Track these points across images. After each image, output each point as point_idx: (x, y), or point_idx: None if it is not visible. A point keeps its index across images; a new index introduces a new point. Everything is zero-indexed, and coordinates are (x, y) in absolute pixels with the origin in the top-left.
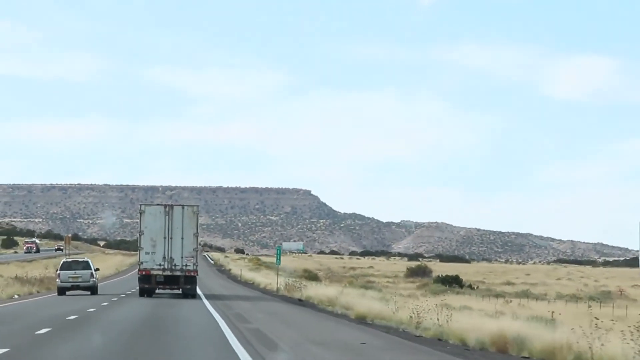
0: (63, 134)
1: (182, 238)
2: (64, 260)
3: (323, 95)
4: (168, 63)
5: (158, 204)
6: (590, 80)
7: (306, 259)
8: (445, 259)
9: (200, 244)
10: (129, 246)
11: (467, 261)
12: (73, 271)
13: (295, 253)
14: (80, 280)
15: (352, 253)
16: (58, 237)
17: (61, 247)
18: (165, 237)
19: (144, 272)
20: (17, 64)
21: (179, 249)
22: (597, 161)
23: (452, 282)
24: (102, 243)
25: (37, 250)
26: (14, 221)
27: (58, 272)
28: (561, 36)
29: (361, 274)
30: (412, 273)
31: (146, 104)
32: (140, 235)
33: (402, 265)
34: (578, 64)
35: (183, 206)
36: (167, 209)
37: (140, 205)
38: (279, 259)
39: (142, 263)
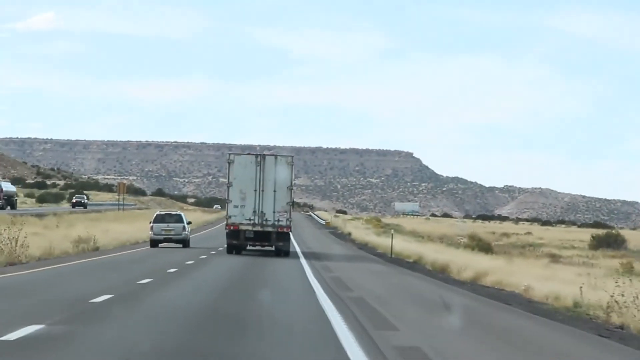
0: (161, 91)
1: (275, 191)
2: (157, 212)
3: (425, 58)
4: (269, 23)
5: (249, 153)
6: None
7: (436, 221)
8: (583, 225)
9: (292, 201)
10: (220, 203)
11: (610, 227)
12: (166, 224)
13: (409, 215)
14: (172, 233)
15: (466, 216)
16: (140, 192)
17: (82, 200)
18: (255, 190)
19: (232, 227)
20: (118, 21)
21: (271, 202)
22: None
23: None
24: (191, 200)
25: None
26: (107, 178)
27: (151, 224)
28: None
29: (523, 242)
30: (600, 243)
31: (246, 63)
32: (228, 187)
33: (558, 232)
34: None
35: (276, 156)
36: (258, 159)
37: (229, 154)
38: None
39: (230, 217)
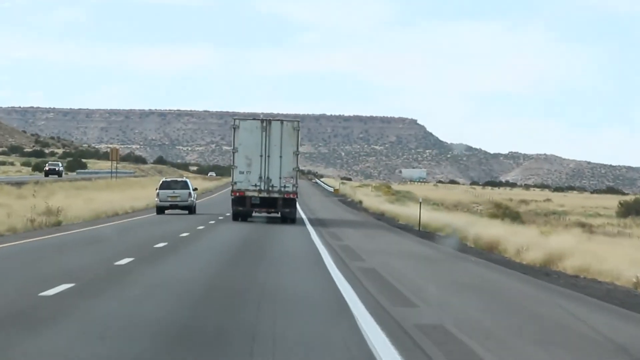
0: (164, 60)
1: (281, 156)
2: (163, 179)
3: (429, 26)
4: None
5: (254, 119)
6: None
7: (446, 188)
8: (596, 191)
9: (299, 167)
10: (223, 172)
11: (621, 192)
12: (172, 190)
13: (416, 181)
14: (178, 199)
15: (473, 183)
16: (140, 160)
17: (56, 167)
18: (261, 155)
19: (237, 194)
20: None
21: (277, 168)
22: None
23: None
24: (193, 168)
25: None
26: (110, 147)
27: (157, 191)
28: None
29: (543, 209)
30: (629, 210)
31: (249, 31)
32: (233, 153)
33: (576, 198)
34: None
35: (282, 121)
36: (264, 124)
37: (234, 119)
38: None
39: (235, 183)
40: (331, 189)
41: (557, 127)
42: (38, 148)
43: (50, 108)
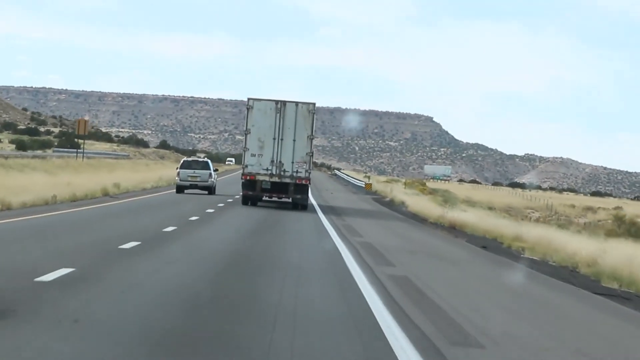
0: (181, 47)
1: (294, 140)
2: (185, 159)
3: (450, 24)
4: None
5: (269, 99)
6: None
7: (487, 189)
8: (637, 197)
9: (312, 152)
10: (236, 158)
11: None
12: (192, 170)
13: (439, 179)
14: (198, 179)
15: (496, 184)
16: (141, 144)
17: None
18: (274, 138)
19: (248, 177)
20: None
21: (290, 152)
22: None
23: None
24: (201, 155)
25: None
26: (121, 132)
27: (178, 170)
28: None
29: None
30: None
31: (268, 23)
32: (246, 135)
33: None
34: None
35: (297, 103)
36: (278, 106)
37: (249, 99)
38: None
39: (246, 166)
40: (360, 184)
41: (574, 131)
42: (33, 126)
43: (62, 89)
